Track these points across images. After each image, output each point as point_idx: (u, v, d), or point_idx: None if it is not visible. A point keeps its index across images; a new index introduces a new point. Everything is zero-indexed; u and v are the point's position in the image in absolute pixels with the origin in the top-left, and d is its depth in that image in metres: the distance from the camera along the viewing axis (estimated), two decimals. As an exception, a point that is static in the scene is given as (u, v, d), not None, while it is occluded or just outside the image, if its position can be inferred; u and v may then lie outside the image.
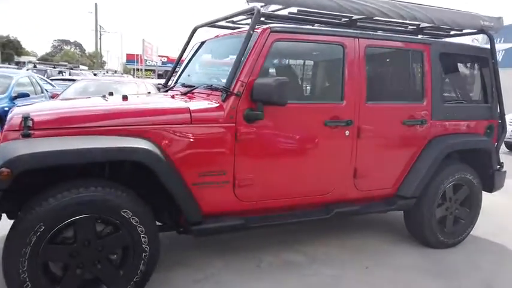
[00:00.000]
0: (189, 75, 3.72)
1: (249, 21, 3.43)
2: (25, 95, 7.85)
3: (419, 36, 3.90)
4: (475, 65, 3.98)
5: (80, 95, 6.93)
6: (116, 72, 26.81)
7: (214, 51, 3.66)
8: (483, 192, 3.89)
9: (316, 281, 3.04)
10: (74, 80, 10.39)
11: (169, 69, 4.88)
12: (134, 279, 2.47)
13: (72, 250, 2.29)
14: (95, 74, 17.17)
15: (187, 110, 2.67)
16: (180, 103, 2.79)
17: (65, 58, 55.31)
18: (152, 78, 23.91)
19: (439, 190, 3.55)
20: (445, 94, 3.75)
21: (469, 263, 3.48)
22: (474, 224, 3.86)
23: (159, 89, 6.74)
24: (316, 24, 3.59)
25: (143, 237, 2.44)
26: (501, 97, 3.88)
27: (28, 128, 2.30)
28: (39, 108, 2.63)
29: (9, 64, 29.56)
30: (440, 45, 3.60)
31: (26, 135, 2.27)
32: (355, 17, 3.40)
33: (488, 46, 3.87)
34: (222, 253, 3.39)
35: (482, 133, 3.85)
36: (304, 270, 3.18)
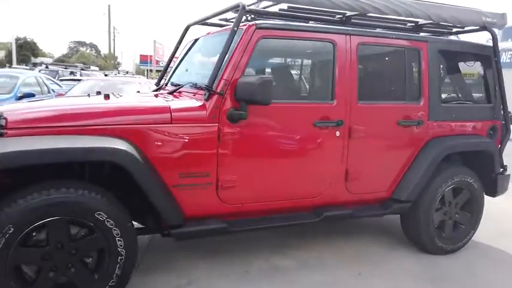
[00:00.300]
0: (180, 74, 3.64)
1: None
2: (31, 95, 7.88)
3: (422, 34, 3.76)
4: (477, 63, 3.82)
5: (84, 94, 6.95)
6: (127, 73, 27.02)
7: (204, 49, 3.58)
8: (487, 196, 3.73)
9: (304, 287, 2.92)
10: (80, 80, 10.45)
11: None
12: (110, 284, 2.40)
13: (44, 253, 2.23)
14: (105, 75, 17.28)
15: (168, 110, 2.59)
16: (160, 102, 2.71)
17: (81, 59, 55.98)
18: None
19: (437, 194, 3.40)
20: (444, 94, 3.60)
21: (468, 270, 3.32)
22: (476, 229, 3.69)
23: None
24: (311, 22, 3.48)
25: (119, 240, 2.37)
26: (505, 97, 3.70)
27: (1, 127, 2.25)
28: (14, 108, 2.57)
29: (26, 65, 30.07)
30: (439, 43, 3.45)
31: None
32: (348, 13, 3.28)
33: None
34: (210, 257, 3.30)
35: (484, 134, 3.68)
36: (293, 276, 3.06)
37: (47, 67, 16.94)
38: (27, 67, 20.22)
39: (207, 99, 2.68)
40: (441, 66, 3.50)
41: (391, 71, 3.55)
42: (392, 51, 3.35)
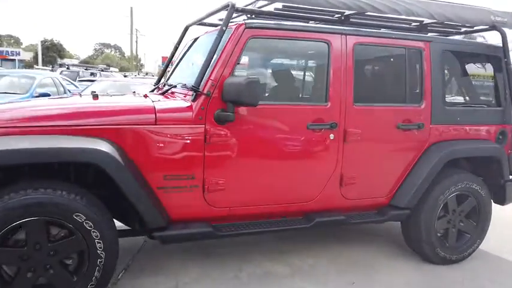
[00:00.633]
0: (177, 75, 3.60)
1: (243, 17, 3.27)
2: (46, 95, 8.03)
3: (429, 35, 3.61)
4: (486, 64, 3.64)
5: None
6: (147, 74, 27.39)
7: (199, 49, 3.52)
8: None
9: (293, 295, 2.84)
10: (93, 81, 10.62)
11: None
12: (88, 286, 2.36)
13: (22, 253, 2.21)
14: (125, 76, 17.54)
15: (152, 110, 2.54)
16: (146, 103, 2.66)
17: (106, 61, 57.09)
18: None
19: (439, 201, 3.24)
20: (449, 96, 3.44)
21: (472, 282, 3.16)
22: (482, 238, 3.51)
23: None
24: (310, 22, 3.39)
25: (98, 242, 2.33)
26: (516, 100, 3.51)
27: None
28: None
29: (52, 66, 30.85)
30: (443, 43, 3.30)
31: None
32: (347, 12, 3.17)
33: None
34: (201, 260, 3.24)
35: (492, 139, 3.50)
36: (284, 283, 2.97)
37: (68, 68, 17.32)
38: (48, 68, 20.70)
39: (193, 100, 2.62)
40: (446, 67, 3.34)
41: (390, 72, 3.41)
42: (392, 51, 3.21)
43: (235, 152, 2.70)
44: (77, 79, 14.23)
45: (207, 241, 3.49)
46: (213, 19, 3.57)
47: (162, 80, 3.91)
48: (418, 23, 3.55)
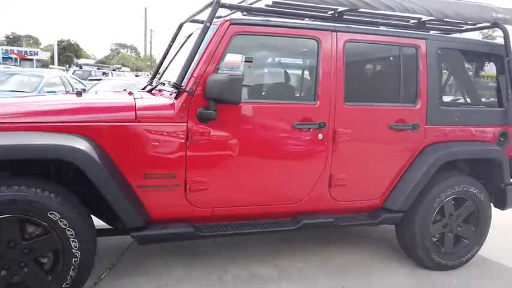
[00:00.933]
0: (169, 71, 3.55)
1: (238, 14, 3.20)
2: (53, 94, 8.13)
3: (432, 32, 3.49)
4: (487, 63, 3.50)
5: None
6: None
7: (190, 46, 3.46)
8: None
9: (278, 299, 2.76)
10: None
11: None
12: (63, 286, 2.32)
13: (-4, 251, 2.19)
14: (136, 76, 17.69)
15: (133, 108, 2.50)
16: (127, 100, 2.61)
17: (121, 61, 57.78)
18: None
19: (434, 204, 3.12)
20: (447, 96, 3.31)
21: (467, 290, 3.03)
22: (481, 244, 3.37)
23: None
24: (306, 19, 3.31)
25: (73, 241, 2.29)
26: (519, 101, 3.37)
27: None
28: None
29: (69, 66, 31.34)
30: (440, 41, 3.17)
31: None
32: (340, 9, 3.08)
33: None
34: (186, 261, 3.18)
35: (493, 141, 3.36)
36: (269, 287, 2.89)
37: (80, 67, 17.57)
38: (62, 68, 21.06)
39: (176, 98, 2.57)
40: (443, 66, 3.22)
41: (383, 70, 3.31)
42: (385, 49, 3.10)
43: (218, 151, 2.64)
44: (88, 78, 14.39)
45: (196, 241, 3.45)
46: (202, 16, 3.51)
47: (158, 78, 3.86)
48: (416, 20, 3.44)
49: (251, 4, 3.11)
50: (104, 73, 17.24)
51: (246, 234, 2.78)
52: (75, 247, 2.30)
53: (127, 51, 72.51)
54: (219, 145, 2.63)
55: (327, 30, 2.84)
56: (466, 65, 3.54)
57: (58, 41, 38.88)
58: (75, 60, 45.84)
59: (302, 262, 3.27)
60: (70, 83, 9.48)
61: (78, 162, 2.21)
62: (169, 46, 3.90)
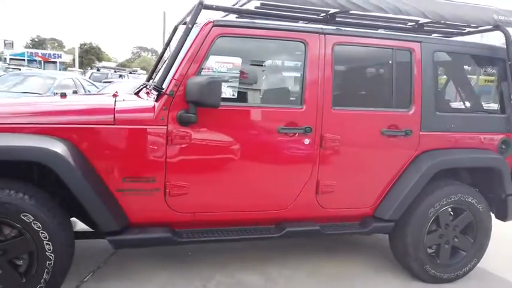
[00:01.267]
0: (159, 74, 3.53)
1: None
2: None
3: (433, 35, 3.37)
4: (487, 67, 3.35)
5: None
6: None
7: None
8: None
9: (260, 309, 2.68)
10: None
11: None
12: (37, 289, 2.31)
13: (-30, 252, 2.19)
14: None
15: (111, 110, 2.47)
16: (107, 102, 2.59)
17: (142, 64, 58.61)
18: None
19: (428, 214, 2.99)
20: (443, 101, 3.18)
21: (462, 305, 2.89)
22: (480, 256, 3.21)
23: None
24: (300, 22, 3.24)
25: (47, 244, 2.27)
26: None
27: None
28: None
29: (91, 68, 32.00)
30: (435, 43, 3.05)
31: None
32: (332, 11, 2.99)
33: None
34: (171, 267, 3.12)
35: (494, 149, 3.21)
36: (254, 295, 2.82)
37: (98, 70, 17.89)
38: (81, 70, 21.54)
39: (156, 100, 2.54)
40: (440, 69, 3.10)
41: (375, 74, 3.20)
42: (377, 52, 2.99)
43: (199, 155, 2.59)
44: (102, 80, 14.63)
45: (185, 247, 3.40)
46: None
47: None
48: (414, 23, 3.32)
49: (241, 6, 3.06)
50: (120, 75, 17.52)
51: (227, 241, 2.71)
52: (49, 250, 2.28)
53: (147, 54, 73.52)
54: (200, 149, 2.58)
55: (315, 32, 2.77)
56: (466, 69, 3.40)
57: (80, 44, 39.78)
58: (97, 63, 46.79)
59: (290, 270, 3.18)
60: (82, 85, 9.62)
61: (50, 164, 2.19)
62: (165, 49, 3.89)
